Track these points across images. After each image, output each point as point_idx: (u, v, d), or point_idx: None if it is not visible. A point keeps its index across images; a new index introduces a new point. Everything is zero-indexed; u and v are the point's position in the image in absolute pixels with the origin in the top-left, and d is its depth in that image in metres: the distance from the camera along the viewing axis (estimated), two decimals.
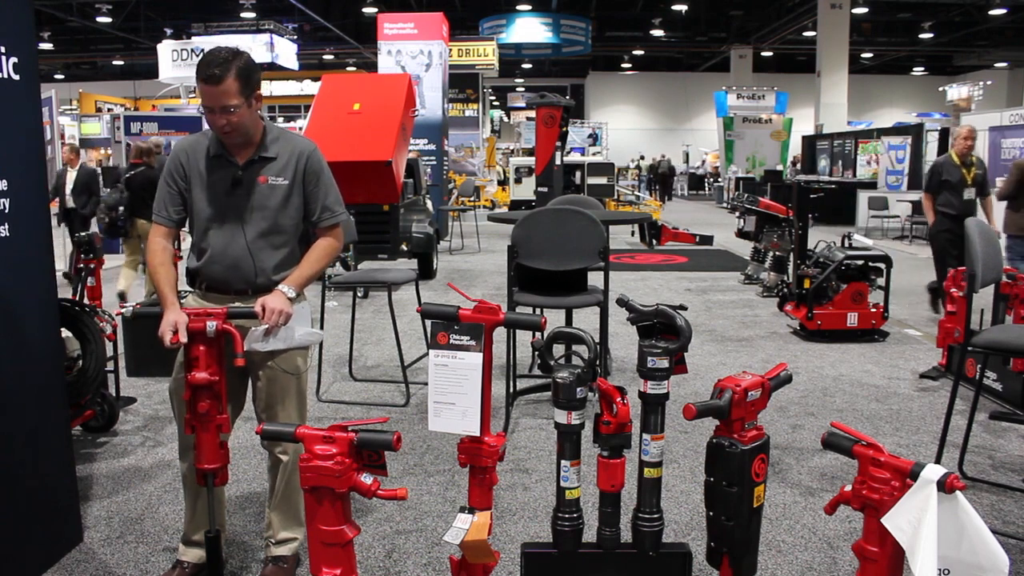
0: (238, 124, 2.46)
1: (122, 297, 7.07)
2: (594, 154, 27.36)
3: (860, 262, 6.14)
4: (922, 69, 35.53)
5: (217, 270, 2.60)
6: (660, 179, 25.91)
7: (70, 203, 9.16)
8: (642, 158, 29.56)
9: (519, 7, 24.13)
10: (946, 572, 1.70)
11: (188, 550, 2.68)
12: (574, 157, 19.97)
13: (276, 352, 2.57)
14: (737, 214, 9.47)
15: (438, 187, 12.72)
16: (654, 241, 9.40)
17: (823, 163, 20.63)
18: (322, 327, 5.21)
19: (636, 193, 17.88)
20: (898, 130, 17.90)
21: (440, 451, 3.82)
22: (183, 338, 2.34)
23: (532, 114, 10.81)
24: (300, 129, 11.05)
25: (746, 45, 29.64)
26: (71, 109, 26.26)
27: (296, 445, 1.93)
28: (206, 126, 2.53)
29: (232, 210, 2.57)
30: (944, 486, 1.67)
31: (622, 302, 2.40)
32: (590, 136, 31.43)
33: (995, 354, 3.77)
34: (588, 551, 2.32)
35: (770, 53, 31.14)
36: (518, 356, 4.50)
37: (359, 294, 7.62)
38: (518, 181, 15.79)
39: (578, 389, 2.15)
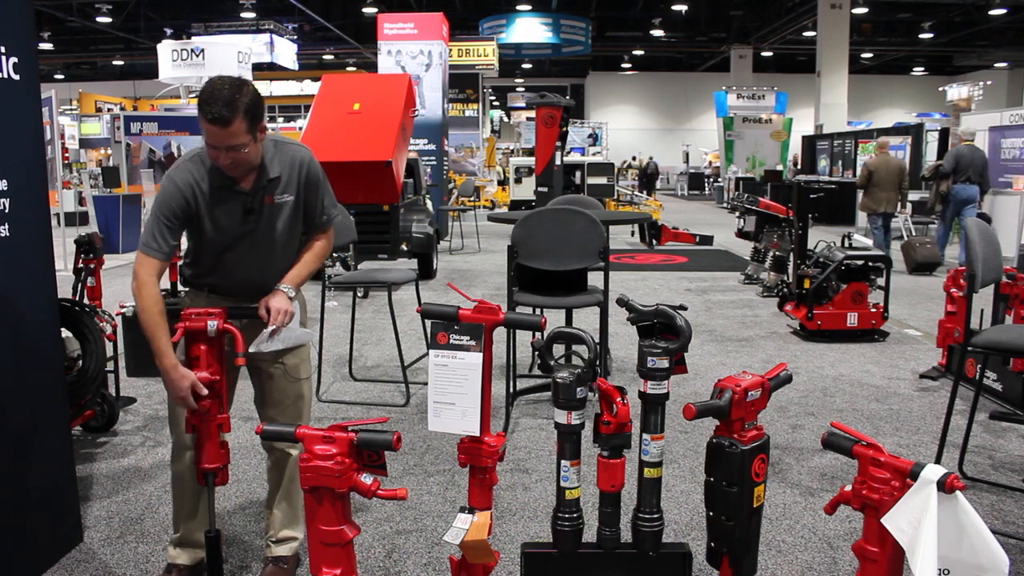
0: (243, 160, 2.40)
1: None
2: (594, 154, 27.45)
3: (860, 262, 6.13)
4: (922, 69, 35.55)
5: (225, 283, 2.60)
6: (648, 178, 27.49)
7: None
8: (634, 159, 29.68)
9: (519, 7, 24.15)
10: (946, 572, 1.70)
11: (183, 552, 2.64)
12: (574, 157, 19.96)
13: (281, 353, 2.58)
14: (737, 214, 9.46)
15: (438, 187, 12.71)
16: (654, 241, 9.38)
17: (823, 163, 20.61)
18: (322, 327, 5.21)
19: (636, 193, 17.87)
20: (898, 130, 17.89)
21: (440, 451, 3.82)
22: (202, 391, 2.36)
23: (532, 114, 10.80)
24: (300, 129, 11.01)
25: (746, 45, 29.65)
26: (71, 109, 26.28)
27: (299, 445, 1.94)
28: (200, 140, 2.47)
29: (242, 236, 2.53)
30: (944, 486, 1.67)
31: (622, 302, 2.40)
32: (590, 136, 31.47)
33: (995, 354, 3.77)
34: (588, 551, 2.32)
35: (770, 53, 31.15)
36: (518, 356, 4.50)
37: (359, 294, 7.61)
38: (518, 181, 15.78)
39: (578, 389, 2.15)
